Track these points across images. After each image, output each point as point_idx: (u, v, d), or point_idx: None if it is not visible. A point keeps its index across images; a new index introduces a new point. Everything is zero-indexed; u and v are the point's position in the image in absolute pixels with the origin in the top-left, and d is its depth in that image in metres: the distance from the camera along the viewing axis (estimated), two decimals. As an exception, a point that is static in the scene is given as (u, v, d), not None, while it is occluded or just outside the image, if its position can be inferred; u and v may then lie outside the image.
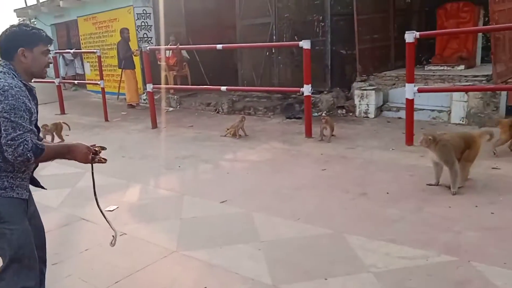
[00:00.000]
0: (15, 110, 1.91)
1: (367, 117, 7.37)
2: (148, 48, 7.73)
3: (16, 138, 1.90)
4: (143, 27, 10.70)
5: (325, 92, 8.18)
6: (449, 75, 7.11)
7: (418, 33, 5.46)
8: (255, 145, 6.18)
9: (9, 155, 1.91)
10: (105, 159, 2.25)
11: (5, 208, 2.00)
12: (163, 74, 9.75)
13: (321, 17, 8.67)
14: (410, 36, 5.37)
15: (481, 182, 4.22)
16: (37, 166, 2.20)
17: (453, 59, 7.79)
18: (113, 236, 2.32)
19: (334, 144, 5.95)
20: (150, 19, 10.74)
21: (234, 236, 3.46)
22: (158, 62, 9.86)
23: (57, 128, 6.71)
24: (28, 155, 1.91)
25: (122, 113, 9.44)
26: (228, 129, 6.64)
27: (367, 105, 7.39)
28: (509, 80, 6.72)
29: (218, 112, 8.77)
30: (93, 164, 2.20)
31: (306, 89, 6.21)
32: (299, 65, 7.67)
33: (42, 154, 1.96)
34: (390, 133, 6.28)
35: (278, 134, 6.72)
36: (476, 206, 3.69)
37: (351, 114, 7.64)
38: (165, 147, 6.43)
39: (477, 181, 4.22)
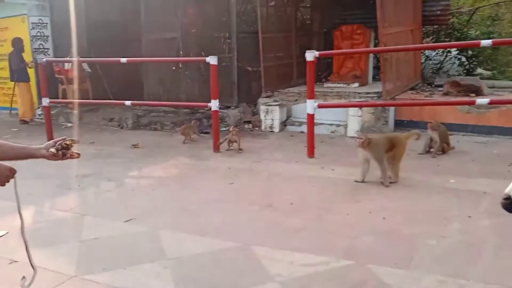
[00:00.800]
0: None
1: (272, 131, 7.63)
2: (44, 59, 7.23)
3: None
4: (38, 37, 9.99)
5: (232, 107, 8.32)
6: (345, 92, 7.66)
7: (317, 52, 5.87)
8: (161, 161, 6.05)
9: None
10: (79, 154, 2.01)
11: None
12: (61, 87, 9.18)
13: (227, 34, 8.85)
14: (310, 55, 5.72)
15: (375, 189, 4.58)
16: None
17: (349, 77, 8.42)
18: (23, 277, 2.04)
19: (242, 158, 6.06)
20: (47, 29, 10.07)
21: (139, 255, 3.33)
22: (56, 75, 9.26)
23: None
24: None
25: (13, 129, 8.67)
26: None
27: (272, 120, 7.65)
28: (397, 97, 7.44)
29: (122, 128, 8.45)
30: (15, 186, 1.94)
31: (214, 104, 6.26)
32: (207, 80, 7.71)
33: None
34: (293, 147, 6.56)
35: (186, 149, 6.66)
36: (370, 212, 4.00)
37: (257, 128, 7.85)
38: (62, 166, 5.97)
39: (371, 189, 4.58)
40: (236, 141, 6.32)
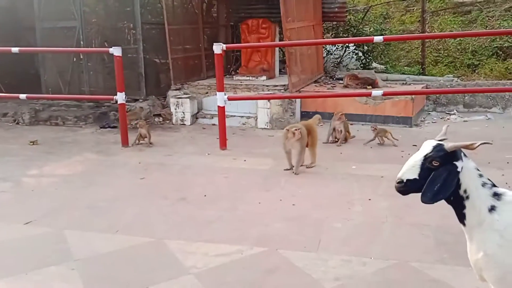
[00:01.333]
0: None
1: (184, 124, 7.54)
2: None
3: None
4: None
5: (141, 100, 8.06)
6: (254, 84, 7.82)
7: (224, 45, 5.92)
8: (65, 158, 5.68)
9: None
10: None
11: None
12: None
13: (131, 25, 8.51)
14: (217, 48, 5.74)
15: (285, 178, 4.77)
16: None
17: (257, 70, 8.58)
18: None
19: (152, 152, 5.91)
20: None
21: (43, 258, 3.13)
22: None
23: None
24: None
25: None
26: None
27: (183, 112, 7.56)
28: (302, 89, 7.78)
29: (18, 123, 7.76)
30: None
31: (120, 97, 6.03)
32: (112, 72, 7.37)
33: None
34: (205, 139, 6.56)
35: (92, 145, 6.32)
36: (281, 200, 4.16)
37: (168, 122, 7.70)
38: None
39: (281, 178, 4.77)
40: (146, 136, 6.15)
